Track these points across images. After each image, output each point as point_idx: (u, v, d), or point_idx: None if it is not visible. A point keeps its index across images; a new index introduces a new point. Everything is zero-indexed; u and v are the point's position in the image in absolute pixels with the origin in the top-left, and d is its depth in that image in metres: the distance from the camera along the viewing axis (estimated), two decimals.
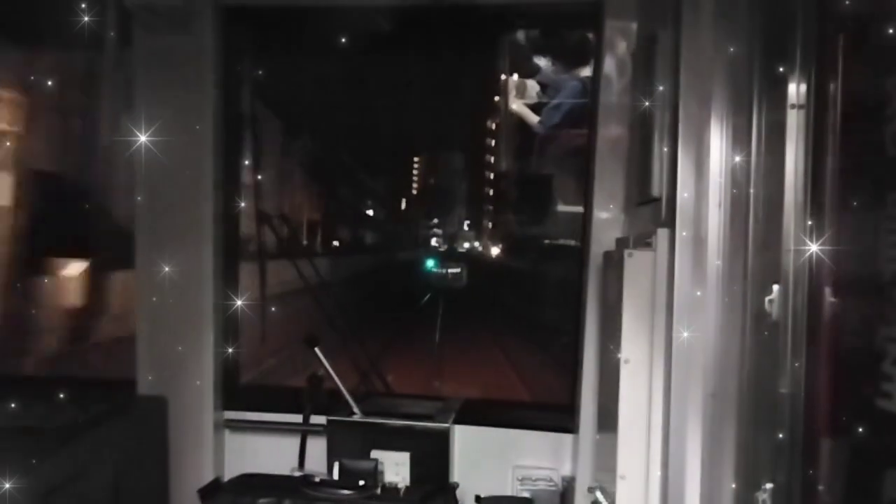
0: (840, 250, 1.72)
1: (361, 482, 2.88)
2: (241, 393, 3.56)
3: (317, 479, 2.93)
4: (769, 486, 1.86)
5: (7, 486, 2.32)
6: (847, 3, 1.84)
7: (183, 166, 3.31)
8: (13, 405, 3.12)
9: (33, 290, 6.28)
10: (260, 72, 3.87)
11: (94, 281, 6.54)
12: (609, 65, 3.09)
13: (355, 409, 3.23)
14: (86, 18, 2.96)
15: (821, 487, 1.77)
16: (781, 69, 1.90)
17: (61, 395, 3.24)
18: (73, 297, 6.56)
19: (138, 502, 3.06)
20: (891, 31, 1.61)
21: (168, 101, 3.26)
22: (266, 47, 3.94)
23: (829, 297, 1.74)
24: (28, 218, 5.66)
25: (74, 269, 6.58)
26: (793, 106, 1.85)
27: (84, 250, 6.33)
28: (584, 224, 3.23)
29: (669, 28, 2.39)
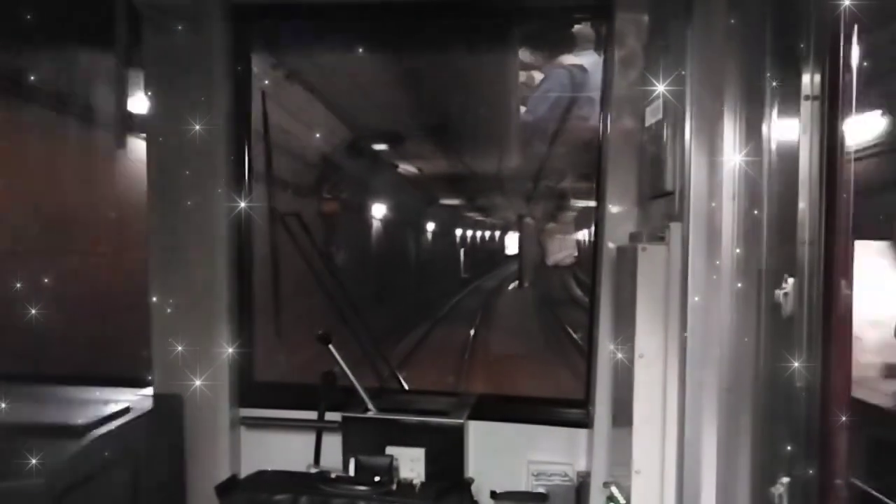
0: (855, 242, 1.70)
1: (377, 478, 2.89)
2: (256, 390, 3.57)
3: (333, 476, 2.94)
4: (786, 479, 1.85)
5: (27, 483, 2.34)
6: None
7: (194, 164, 3.33)
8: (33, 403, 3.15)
9: None
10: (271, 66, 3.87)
11: None
12: (620, 57, 3.07)
13: (370, 406, 3.24)
14: None
15: (837, 481, 1.76)
16: (795, 60, 1.88)
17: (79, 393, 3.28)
18: None
19: (156, 500, 3.09)
20: None
21: (178, 100, 3.28)
22: (276, 43, 3.95)
23: (843, 289, 1.72)
24: None
25: None
26: (807, 97, 1.83)
27: None
28: (596, 219, 3.22)
29: (681, 19, 2.37)
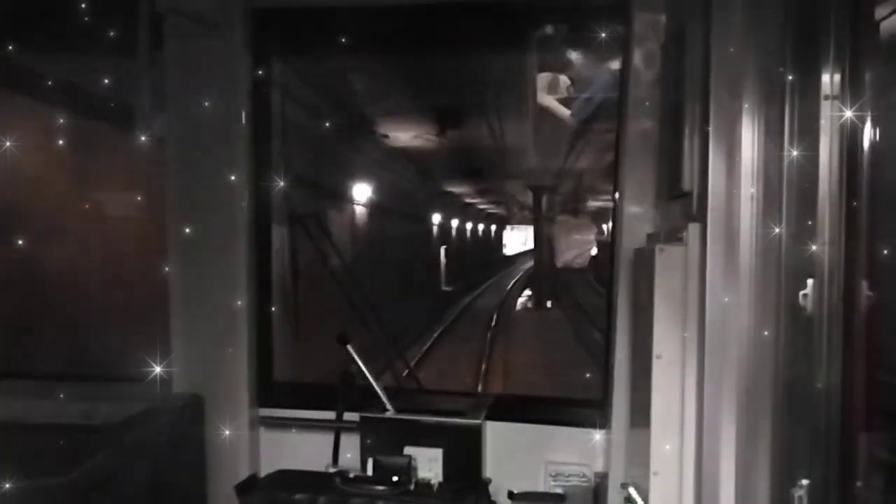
0: (876, 242, 1.69)
1: (395, 478, 2.90)
2: (275, 390, 3.59)
3: (351, 476, 2.96)
4: (805, 482, 1.84)
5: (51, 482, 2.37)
6: None
7: (215, 167, 3.36)
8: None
9: None
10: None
11: None
12: (638, 57, 3.06)
13: (388, 406, 3.25)
14: None
15: (858, 483, 1.75)
16: (815, 59, 1.87)
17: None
18: None
19: (176, 499, 3.11)
20: None
21: (199, 104, 3.31)
22: (297, 48, 3.97)
23: (865, 290, 1.71)
24: None
25: None
26: (826, 97, 1.82)
27: None
28: (614, 219, 3.21)
29: (699, 19, 2.36)
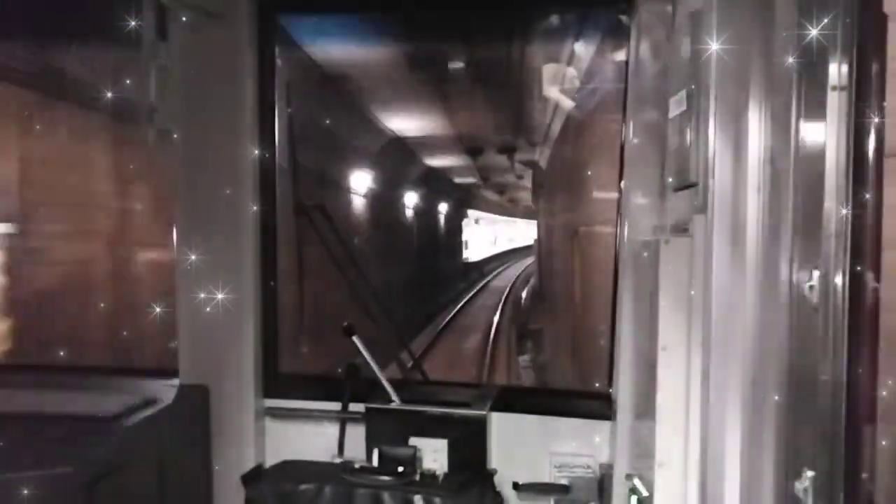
0: (883, 234, 1.68)
1: (400, 469, 2.91)
2: (281, 381, 3.61)
3: (356, 466, 2.97)
4: (810, 474, 1.84)
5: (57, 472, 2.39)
6: None
7: (221, 158, 3.36)
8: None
9: None
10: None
11: None
12: (644, 48, 3.05)
13: (393, 397, 3.26)
14: None
15: (864, 476, 1.75)
16: (822, 49, 1.85)
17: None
18: None
19: (182, 490, 3.13)
20: None
21: (203, 95, 3.31)
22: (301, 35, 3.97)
23: (871, 281, 1.70)
24: None
25: None
26: (834, 87, 1.80)
27: None
28: (618, 211, 3.21)
29: (705, 9, 2.35)
